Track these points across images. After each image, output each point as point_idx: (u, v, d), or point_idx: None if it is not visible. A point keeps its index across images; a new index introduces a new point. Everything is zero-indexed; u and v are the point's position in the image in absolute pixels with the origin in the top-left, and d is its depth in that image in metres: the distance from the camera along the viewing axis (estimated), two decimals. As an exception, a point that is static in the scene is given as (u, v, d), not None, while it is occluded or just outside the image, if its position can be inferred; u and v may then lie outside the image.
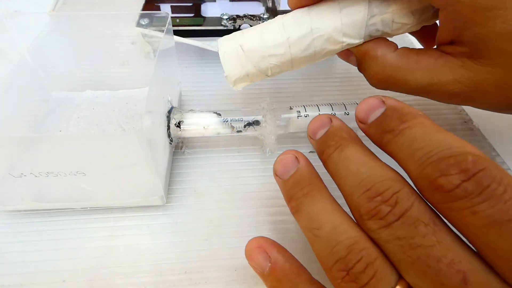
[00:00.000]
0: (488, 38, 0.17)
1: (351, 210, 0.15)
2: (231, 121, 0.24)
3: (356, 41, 0.21)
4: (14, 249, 0.21)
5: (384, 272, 0.13)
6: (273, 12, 0.36)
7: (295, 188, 0.17)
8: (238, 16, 0.34)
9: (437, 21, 0.21)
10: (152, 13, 0.31)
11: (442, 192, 0.12)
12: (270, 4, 0.37)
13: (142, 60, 0.31)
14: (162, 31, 0.25)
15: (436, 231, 0.12)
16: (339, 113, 0.25)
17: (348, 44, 0.21)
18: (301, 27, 0.21)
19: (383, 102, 0.16)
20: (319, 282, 0.16)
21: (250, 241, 0.16)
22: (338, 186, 0.16)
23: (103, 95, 0.30)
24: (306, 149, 0.21)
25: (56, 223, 0.22)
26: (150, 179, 0.21)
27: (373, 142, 0.16)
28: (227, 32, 0.34)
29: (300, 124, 0.25)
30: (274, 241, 0.16)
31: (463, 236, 0.12)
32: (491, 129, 0.29)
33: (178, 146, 0.27)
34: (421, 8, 0.20)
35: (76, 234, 0.22)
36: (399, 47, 0.22)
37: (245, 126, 0.25)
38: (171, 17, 0.27)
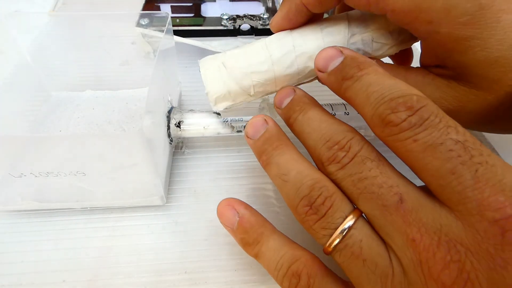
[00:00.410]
0: (469, 65, 0.18)
1: (314, 161, 0.18)
2: (231, 121, 0.24)
3: None
4: (14, 249, 0.21)
5: (340, 203, 0.16)
6: (273, 12, 0.36)
7: (265, 145, 0.19)
8: (238, 16, 0.34)
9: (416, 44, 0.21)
10: (152, 13, 0.31)
11: (391, 126, 0.14)
12: (270, 4, 0.37)
13: (142, 60, 0.31)
14: (162, 31, 0.25)
15: (380, 165, 0.15)
16: (339, 113, 0.25)
17: None
18: (283, 45, 0.21)
19: (341, 52, 0.18)
20: (281, 232, 0.18)
21: (220, 202, 0.19)
22: (303, 143, 0.18)
23: (103, 95, 0.30)
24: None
25: (56, 223, 0.22)
26: (150, 179, 0.21)
27: (331, 89, 0.18)
28: (227, 32, 0.34)
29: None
30: (242, 200, 0.19)
31: (406, 163, 0.15)
32: (491, 129, 0.29)
33: (178, 146, 0.27)
34: (399, 29, 0.21)
35: (76, 234, 0.22)
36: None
37: (245, 126, 0.25)
38: (171, 17, 0.27)
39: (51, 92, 0.30)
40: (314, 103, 0.20)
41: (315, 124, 0.18)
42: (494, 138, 0.28)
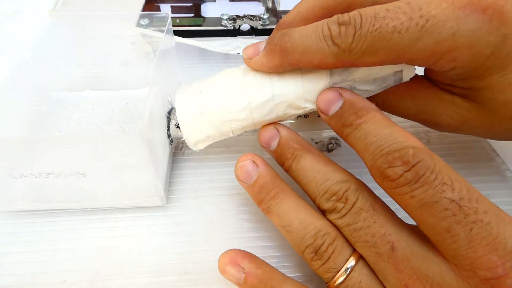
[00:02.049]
0: (483, 88, 0.18)
1: (316, 206, 0.19)
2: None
3: None
4: (15, 249, 0.21)
5: (341, 248, 0.17)
6: (273, 12, 0.36)
7: (262, 193, 0.19)
8: (238, 16, 0.34)
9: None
10: (152, 13, 0.31)
11: (389, 181, 0.15)
12: (270, 4, 0.37)
13: (142, 60, 0.31)
14: (162, 31, 0.25)
15: (373, 214, 0.16)
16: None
17: (311, 109, 0.21)
18: (262, 92, 0.20)
19: (341, 94, 0.19)
20: (291, 278, 0.18)
21: (221, 257, 0.18)
22: (303, 190, 0.19)
23: (103, 95, 0.30)
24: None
25: (57, 224, 0.22)
26: (150, 179, 0.21)
27: (335, 132, 0.19)
28: (227, 32, 0.34)
29: (299, 125, 0.25)
30: (244, 251, 0.18)
31: (407, 213, 0.15)
32: (490, 129, 0.29)
33: (178, 147, 0.27)
34: (383, 76, 0.20)
35: (77, 235, 0.22)
36: None
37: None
38: (171, 17, 0.27)
39: (51, 92, 0.30)
40: (304, 146, 0.20)
41: (310, 175, 0.19)
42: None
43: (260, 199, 0.19)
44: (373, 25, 0.16)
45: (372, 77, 0.20)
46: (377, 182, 0.16)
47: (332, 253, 0.17)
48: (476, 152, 0.28)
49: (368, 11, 0.17)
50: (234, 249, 0.18)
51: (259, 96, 0.20)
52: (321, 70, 0.20)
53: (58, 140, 0.19)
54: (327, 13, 0.21)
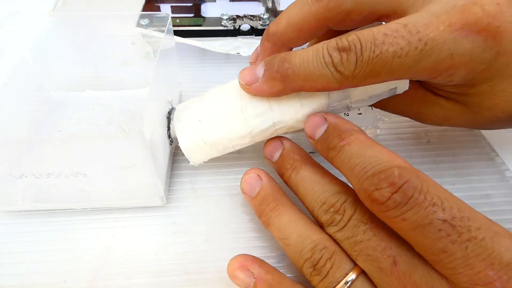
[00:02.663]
0: (471, 94, 0.19)
1: (314, 219, 0.19)
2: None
3: None
4: (15, 249, 0.21)
5: (339, 263, 0.17)
6: (273, 12, 0.36)
7: (263, 205, 0.19)
8: (238, 16, 0.34)
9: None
10: (152, 13, 0.31)
11: (378, 204, 0.15)
12: (270, 4, 0.37)
13: (142, 60, 0.31)
14: (162, 31, 0.25)
15: (373, 227, 0.16)
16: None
17: None
18: (263, 120, 0.21)
19: (325, 119, 0.19)
20: (299, 284, 0.18)
21: (231, 262, 0.18)
22: (300, 201, 0.20)
23: (103, 95, 0.30)
24: (306, 149, 0.22)
25: (57, 224, 0.22)
26: (150, 180, 0.21)
27: (323, 156, 0.19)
28: (227, 32, 0.34)
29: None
30: (253, 256, 0.19)
31: (401, 236, 0.15)
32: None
33: (178, 147, 0.27)
34: (378, 94, 0.21)
35: (77, 235, 0.22)
36: None
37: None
38: (171, 17, 0.27)
39: (51, 92, 0.30)
40: (304, 158, 0.20)
41: (308, 186, 0.19)
42: (494, 138, 0.28)
43: (260, 211, 0.20)
44: (374, 52, 0.16)
45: (368, 95, 0.20)
46: (366, 205, 0.16)
47: (331, 268, 0.16)
48: (476, 152, 0.28)
49: (367, 35, 0.17)
50: (243, 254, 0.19)
51: (260, 125, 0.21)
52: (320, 95, 0.20)
53: (58, 140, 0.19)
54: (322, 24, 0.20)
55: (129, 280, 0.20)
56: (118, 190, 0.22)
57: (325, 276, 0.16)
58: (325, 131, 0.18)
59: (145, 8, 0.36)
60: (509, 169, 0.26)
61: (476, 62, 0.17)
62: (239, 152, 0.27)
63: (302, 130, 0.22)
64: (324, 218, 0.18)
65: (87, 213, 0.23)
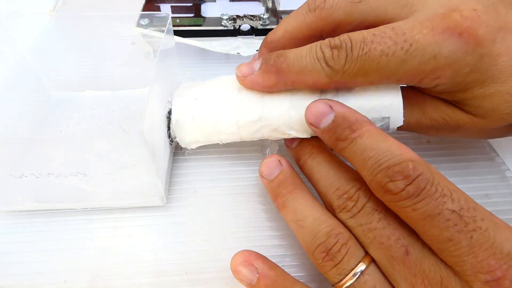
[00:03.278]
0: (467, 99, 0.20)
1: (325, 206, 0.19)
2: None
3: (304, 135, 0.21)
4: (15, 249, 0.21)
5: (354, 249, 0.17)
6: (273, 12, 0.36)
7: (280, 187, 0.20)
8: (238, 16, 0.34)
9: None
10: (152, 13, 0.31)
11: (391, 194, 0.15)
12: (270, 4, 0.37)
13: (142, 60, 0.31)
14: (162, 31, 0.25)
15: (387, 216, 0.16)
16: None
17: (295, 136, 0.22)
18: (251, 111, 0.21)
19: (331, 107, 0.18)
20: (301, 282, 0.18)
21: (234, 257, 0.18)
22: (313, 187, 0.20)
23: (103, 95, 0.30)
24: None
25: (57, 224, 0.22)
26: (150, 179, 0.21)
27: (328, 146, 0.19)
28: (227, 32, 0.34)
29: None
30: (257, 252, 0.18)
31: (408, 224, 0.16)
32: (490, 129, 0.29)
33: (179, 147, 0.27)
34: (370, 118, 0.20)
35: (77, 235, 0.22)
36: None
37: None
38: (171, 17, 0.27)
39: (51, 92, 0.30)
40: (322, 146, 0.21)
41: (323, 170, 0.19)
42: (494, 138, 0.28)
43: (277, 193, 0.20)
44: (363, 49, 0.18)
45: (367, 108, 0.21)
46: (377, 196, 0.16)
47: (346, 254, 0.16)
48: (476, 152, 0.28)
49: (357, 35, 0.18)
50: (247, 250, 0.19)
51: (247, 115, 0.21)
52: (310, 101, 0.20)
53: (58, 140, 0.19)
54: (316, 33, 0.22)
55: (129, 280, 0.20)
56: (118, 190, 0.22)
57: (339, 262, 0.16)
58: (333, 121, 0.18)
59: (145, 8, 0.36)
60: (509, 169, 0.26)
61: (460, 63, 0.18)
62: (239, 152, 0.27)
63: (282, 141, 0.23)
64: (336, 203, 0.18)
65: (87, 213, 0.23)
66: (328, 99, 0.19)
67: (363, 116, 0.18)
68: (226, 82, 0.23)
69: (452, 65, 0.18)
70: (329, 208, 0.19)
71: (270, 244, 0.22)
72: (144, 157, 0.19)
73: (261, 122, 0.21)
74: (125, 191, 0.22)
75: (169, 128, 0.24)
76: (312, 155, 0.20)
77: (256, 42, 0.34)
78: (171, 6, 0.37)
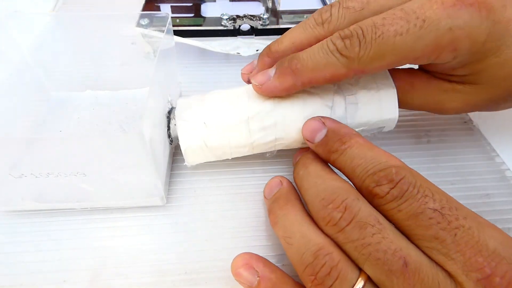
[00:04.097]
0: (482, 70, 0.20)
1: (314, 219, 0.18)
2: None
3: None
4: (15, 249, 0.21)
5: (346, 271, 0.15)
6: (273, 12, 0.36)
7: (273, 204, 0.20)
8: (238, 16, 0.34)
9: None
10: (152, 13, 0.31)
11: (378, 198, 0.16)
12: (270, 4, 0.37)
13: (142, 60, 0.31)
14: (162, 31, 0.25)
15: (381, 229, 0.15)
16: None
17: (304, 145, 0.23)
18: (266, 134, 0.22)
19: (324, 123, 0.20)
20: (302, 285, 0.17)
21: (235, 260, 0.18)
22: (303, 198, 0.19)
23: (103, 95, 0.30)
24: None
25: (57, 224, 0.22)
26: (150, 179, 0.21)
27: (322, 158, 0.20)
28: (227, 32, 0.34)
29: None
30: (258, 255, 0.18)
31: (396, 227, 0.16)
32: (491, 129, 0.29)
33: (178, 146, 0.27)
34: (367, 130, 0.23)
35: (77, 235, 0.22)
36: None
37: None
38: (171, 17, 0.27)
39: (51, 92, 0.30)
40: (317, 159, 0.20)
41: (312, 180, 0.19)
42: (494, 138, 0.28)
43: (270, 210, 0.20)
44: (375, 33, 0.18)
45: (360, 130, 0.22)
46: (368, 200, 0.17)
47: (337, 278, 0.15)
48: (476, 152, 0.28)
49: (367, 22, 0.18)
50: (248, 252, 0.18)
51: (262, 139, 0.22)
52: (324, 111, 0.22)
53: (58, 140, 0.19)
54: None
55: (129, 280, 0.20)
56: (118, 190, 0.22)
57: (330, 287, 0.15)
58: (326, 135, 0.20)
59: (145, 8, 0.36)
60: (509, 169, 0.26)
61: (476, 32, 0.18)
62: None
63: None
64: (321, 213, 0.17)
65: (87, 213, 0.23)
66: (321, 116, 0.21)
67: (352, 129, 0.20)
68: (233, 100, 0.23)
69: (469, 35, 0.18)
70: (317, 221, 0.17)
71: (270, 244, 0.22)
72: (144, 157, 0.19)
73: (275, 142, 0.22)
74: (125, 191, 0.22)
75: (169, 128, 0.24)
76: (305, 165, 0.20)
77: (256, 42, 0.34)
78: (171, 6, 0.37)
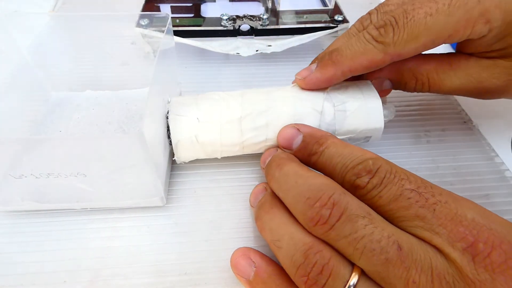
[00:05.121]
0: None
1: (301, 222, 0.17)
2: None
3: None
4: (14, 249, 0.21)
5: (338, 268, 0.15)
6: (273, 12, 0.36)
7: (259, 210, 0.19)
8: (238, 16, 0.34)
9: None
10: (152, 13, 0.31)
11: (360, 189, 0.17)
12: (270, 4, 0.37)
13: (142, 61, 0.31)
14: (162, 31, 0.25)
15: (372, 220, 0.15)
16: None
17: None
18: (257, 134, 0.23)
19: (298, 130, 0.21)
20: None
21: (234, 252, 0.19)
22: (283, 201, 0.18)
23: (103, 95, 0.30)
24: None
25: (56, 224, 0.22)
26: (150, 180, 0.21)
27: (303, 163, 0.20)
28: (227, 32, 0.34)
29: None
30: (255, 249, 0.19)
31: (381, 215, 0.16)
32: (490, 129, 0.29)
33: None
34: (355, 139, 0.24)
35: (76, 235, 0.22)
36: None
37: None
38: (171, 17, 0.27)
39: (51, 92, 0.30)
40: (290, 158, 0.20)
41: (291, 180, 0.18)
42: (493, 138, 0.28)
43: (256, 216, 0.20)
44: (406, 17, 0.19)
45: (347, 137, 0.23)
46: (352, 193, 0.17)
47: (330, 276, 0.15)
48: (476, 152, 0.28)
49: (399, 10, 0.20)
50: (247, 246, 0.19)
51: (253, 139, 0.23)
52: (313, 121, 0.22)
53: (58, 140, 0.19)
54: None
55: (129, 280, 0.20)
56: (118, 190, 0.22)
57: (324, 285, 0.15)
58: (303, 141, 0.20)
59: (145, 8, 0.36)
60: (508, 169, 0.26)
61: (506, 1, 0.19)
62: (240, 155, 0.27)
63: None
64: (308, 214, 0.16)
65: (87, 213, 0.23)
66: (294, 124, 0.22)
67: (326, 132, 0.21)
68: (228, 100, 0.23)
69: (498, 5, 0.19)
70: (304, 223, 0.17)
71: (270, 244, 0.22)
72: (143, 157, 0.19)
73: (265, 142, 0.23)
74: (125, 191, 0.22)
75: (168, 128, 0.24)
76: (279, 166, 0.19)
77: (255, 42, 0.34)
78: (171, 6, 0.37)
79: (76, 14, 0.32)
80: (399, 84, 0.25)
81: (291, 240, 0.16)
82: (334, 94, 0.23)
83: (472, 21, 0.19)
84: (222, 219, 0.23)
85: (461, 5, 0.19)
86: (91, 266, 0.21)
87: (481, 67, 0.22)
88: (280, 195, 0.19)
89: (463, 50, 0.23)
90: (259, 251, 0.19)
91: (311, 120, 0.22)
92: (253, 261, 0.18)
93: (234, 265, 0.18)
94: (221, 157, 0.24)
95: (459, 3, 0.19)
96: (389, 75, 0.24)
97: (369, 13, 0.23)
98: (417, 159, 0.27)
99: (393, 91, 0.25)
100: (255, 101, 0.23)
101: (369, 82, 0.24)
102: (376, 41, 0.20)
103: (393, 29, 0.20)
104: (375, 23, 0.20)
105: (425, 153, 0.28)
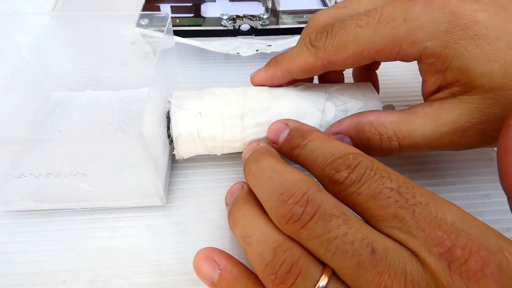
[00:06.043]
0: (470, 67, 0.18)
1: (272, 219, 0.16)
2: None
3: None
4: (14, 249, 0.21)
5: (308, 268, 0.15)
6: (273, 12, 0.36)
7: (233, 207, 0.19)
8: (238, 16, 0.34)
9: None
10: (152, 13, 0.31)
11: (338, 184, 0.16)
12: (270, 4, 0.37)
13: (142, 60, 0.31)
14: (162, 31, 0.25)
15: (346, 220, 0.15)
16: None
17: None
18: (259, 131, 0.23)
19: (287, 124, 0.21)
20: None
21: (197, 254, 0.18)
22: (257, 196, 0.18)
23: (103, 95, 0.30)
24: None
25: (56, 224, 0.22)
26: (150, 179, 0.21)
27: (286, 157, 0.20)
28: (227, 32, 0.34)
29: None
30: (220, 249, 0.18)
31: (358, 214, 0.16)
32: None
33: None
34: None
35: (76, 235, 0.22)
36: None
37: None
38: (171, 17, 0.27)
39: (51, 92, 0.30)
40: (269, 152, 0.20)
41: (266, 175, 0.17)
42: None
43: (229, 213, 0.19)
44: (340, 26, 0.20)
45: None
46: (328, 190, 0.16)
47: (299, 275, 0.14)
48: (476, 152, 0.28)
49: (340, 21, 0.21)
50: (210, 247, 0.18)
51: (254, 135, 0.23)
52: (313, 120, 0.23)
53: (58, 140, 0.19)
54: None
55: (129, 280, 0.20)
56: (118, 190, 0.22)
57: (292, 285, 0.14)
58: (289, 134, 0.21)
59: (145, 8, 0.36)
60: (509, 169, 0.26)
61: (433, 23, 0.18)
62: (240, 152, 0.27)
63: None
64: (281, 211, 0.15)
65: (87, 213, 0.23)
66: (285, 119, 0.22)
67: (313, 127, 0.21)
68: (231, 96, 0.23)
69: (423, 26, 0.19)
70: (275, 220, 0.16)
71: (270, 244, 0.22)
72: (143, 157, 0.19)
73: (266, 140, 0.23)
74: (125, 191, 0.22)
75: (169, 128, 0.24)
76: (256, 160, 0.19)
77: (255, 42, 0.34)
78: (171, 6, 0.37)
79: (76, 14, 0.32)
80: (360, 143, 0.21)
81: (261, 236, 0.16)
82: (336, 94, 0.23)
83: (399, 40, 0.19)
84: (222, 219, 0.23)
85: (389, 21, 0.19)
86: (91, 266, 0.21)
87: (447, 108, 0.20)
88: (255, 190, 0.18)
89: (425, 91, 0.21)
90: (224, 252, 0.18)
91: (312, 119, 0.23)
92: (218, 263, 0.17)
93: (197, 268, 0.17)
94: (221, 155, 0.24)
95: (387, 19, 0.19)
96: (349, 131, 0.22)
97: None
98: (417, 159, 0.27)
99: (395, 92, 0.25)
100: (257, 98, 0.23)
101: (370, 84, 0.24)
102: (311, 44, 0.21)
103: (327, 35, 0.21)
104: (317, 29, 0.22)
105: (426, 153, 0.27)
